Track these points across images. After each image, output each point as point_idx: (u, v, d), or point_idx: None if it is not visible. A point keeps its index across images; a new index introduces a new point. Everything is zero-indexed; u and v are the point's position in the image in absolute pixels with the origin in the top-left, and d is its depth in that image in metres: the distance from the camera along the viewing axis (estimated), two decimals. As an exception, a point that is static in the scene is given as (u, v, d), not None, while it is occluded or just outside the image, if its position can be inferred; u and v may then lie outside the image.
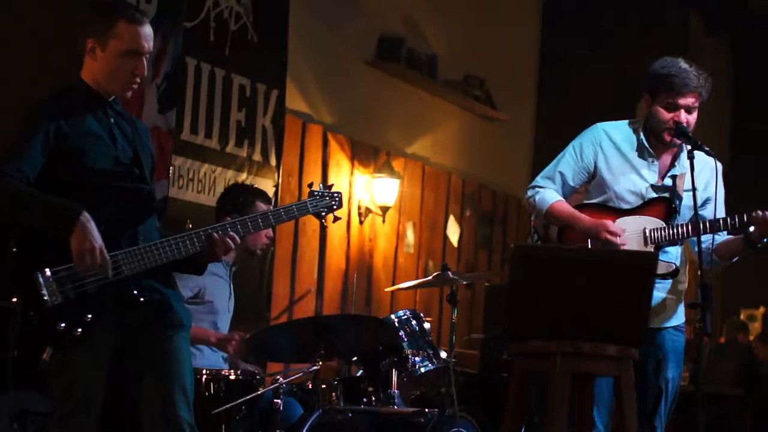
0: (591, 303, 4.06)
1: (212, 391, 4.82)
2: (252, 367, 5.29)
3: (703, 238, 4.45)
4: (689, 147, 4.45)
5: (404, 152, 8.92)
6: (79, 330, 3.55)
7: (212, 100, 6.78)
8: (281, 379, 4.90)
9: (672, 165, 4.62)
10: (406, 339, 5.35)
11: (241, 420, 4.83)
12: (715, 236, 4.50)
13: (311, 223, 7.66)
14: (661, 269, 4.46)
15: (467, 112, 9.66)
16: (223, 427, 4.77)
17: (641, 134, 4.61)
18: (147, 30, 3.73)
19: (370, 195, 8.34)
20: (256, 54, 7.09)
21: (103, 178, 3.67)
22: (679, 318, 4.59)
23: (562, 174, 4.66)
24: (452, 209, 9.52)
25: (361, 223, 8.30)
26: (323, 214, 4.03)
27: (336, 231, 8.03)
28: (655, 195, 4.59)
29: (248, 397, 4.79)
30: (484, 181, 9.89)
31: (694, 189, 4.39)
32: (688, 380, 8.75)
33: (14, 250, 3.53)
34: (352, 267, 8.18)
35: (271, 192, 7.20)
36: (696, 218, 4.38)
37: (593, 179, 4.67)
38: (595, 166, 4.63)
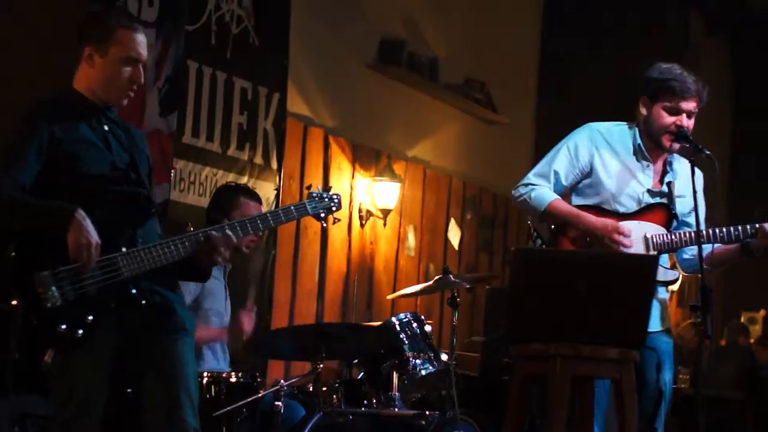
0: (591, 306, 4.06)
1: (213, 394, 4.83)
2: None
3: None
4: (680, 152, 4.48)
5: (405, 155, 8.92)
6: (81, 331, 3.56)
7: (214, 104, 6.78)
8: (282, 381, 4.91)
9: (664, 171, 4.62)
10: (407, 341, 5.37)
11: (242, 422, 4.84)
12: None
13: (312, 225, 7.67)
14: (669, 277, 4.50)
15: (468, 115, 9.66)
16: (224, 429, 4.78)
17: (638, 138, 4.60)
18: (143, 38, 3.79)
19: (371, 198, 8.34)
20: (258, 57, 7.10)
21: (100, 183, 3.68)
22: (666, 322, 4.62)
23: (556, 173, 4.61)
24: (453, 212, 9.52)
25: (362, 226, 8.30)
26: (323, 215, 4.04)
27: (337, 234, 8.04)
28: (652, 200, 4.59)
29: (249, 400, 4.80)
30: (485, 184, 9.90)
31: (695, 192, 4.40)
32: (688, 383, 8.77)
33: (12, 254, 3.53)
34: (353, 270, 8.18)
35: (272, 195, 7.21)
36: (697, 227, 4.38)
37: (583, 179, 4.63)
38: (592, 167, 4.60)
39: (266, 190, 7.13)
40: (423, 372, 5.32)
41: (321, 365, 4.99)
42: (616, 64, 9.91)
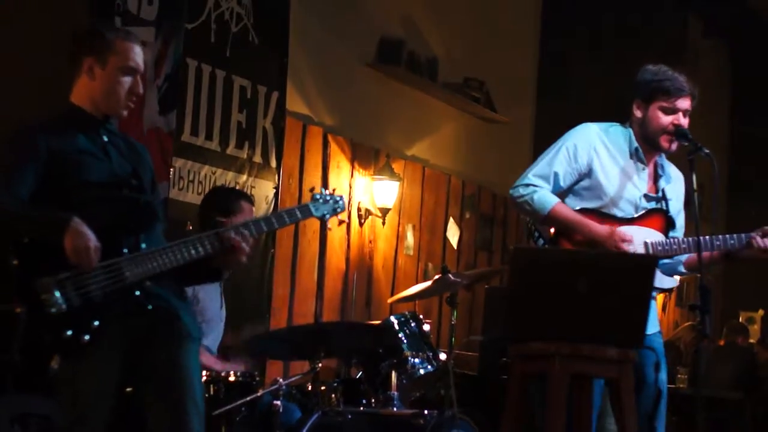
0: (590, 305, 4.06)
1: (212, 393, 4.82)
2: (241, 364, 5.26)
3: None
4: (678, 151, 4.50)
5: (404, 154, 8.92)
6: (87, 337, 3.54)
7: (213, 102, 6.78)
8: (281, 380, 4.91)
9: (657, 174, 4.63)
10: (405, 341, 5.37)
11: (241, 422, 4.83)
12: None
13: (311, 224, 7.67)
14: (665, 284, 4.52)
15: (467, 114, 9.67)
16: (223, 428, 4.77)
17: (633, 140, 4.60)
18: (140, 49, 3.84)
19: (371, 197, 8.34)
20: (257, 55, 7.09)
21: (101, 189, 3.69)
22: (657, 324, 4.63)
23: (556, 174, 4.57)
24: (452, 211, 9.53)
25: (361, 225, 8.30)
26: (327, 217, 4.05)
27: (336, 233, 8.04)
28: (648, 205, 4.58)
29: (248, 399, 4.80)
30: (484, 183, 9.90)
31: (694, 191, 4.39)
32: (687, 383, 8.77)
33: (15, 262, 3.53)
34: (352, 269, 8.19)
35: (271, 194, 7.21)
36: (697, 233, 4.38)
37: (581, 181, 4.60)
38: (590, 169, 4.57)
39: (265, 189, 7.13)
40: (421, 371, 5.32)
41: (320, 364, 4.98)
42: (615, 64, 9.91)
